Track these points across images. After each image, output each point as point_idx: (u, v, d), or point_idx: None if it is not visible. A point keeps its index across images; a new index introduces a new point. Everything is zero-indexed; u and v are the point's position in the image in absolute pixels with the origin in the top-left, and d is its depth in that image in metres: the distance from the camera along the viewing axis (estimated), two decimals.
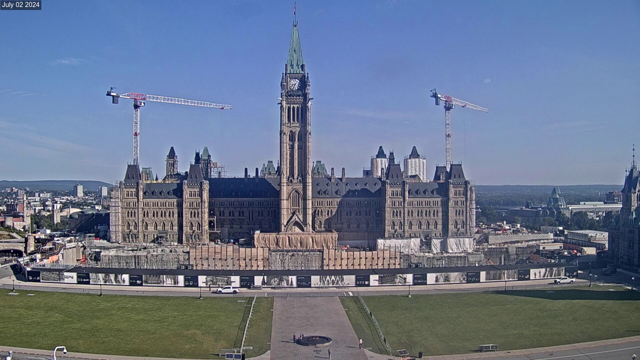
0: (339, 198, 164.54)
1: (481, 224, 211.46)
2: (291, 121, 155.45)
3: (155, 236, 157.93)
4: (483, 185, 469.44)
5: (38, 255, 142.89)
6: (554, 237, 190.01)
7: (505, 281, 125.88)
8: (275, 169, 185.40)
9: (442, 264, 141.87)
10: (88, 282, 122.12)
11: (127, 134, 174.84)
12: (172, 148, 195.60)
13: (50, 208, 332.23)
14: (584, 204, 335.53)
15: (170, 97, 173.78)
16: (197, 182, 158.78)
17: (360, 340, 78.97)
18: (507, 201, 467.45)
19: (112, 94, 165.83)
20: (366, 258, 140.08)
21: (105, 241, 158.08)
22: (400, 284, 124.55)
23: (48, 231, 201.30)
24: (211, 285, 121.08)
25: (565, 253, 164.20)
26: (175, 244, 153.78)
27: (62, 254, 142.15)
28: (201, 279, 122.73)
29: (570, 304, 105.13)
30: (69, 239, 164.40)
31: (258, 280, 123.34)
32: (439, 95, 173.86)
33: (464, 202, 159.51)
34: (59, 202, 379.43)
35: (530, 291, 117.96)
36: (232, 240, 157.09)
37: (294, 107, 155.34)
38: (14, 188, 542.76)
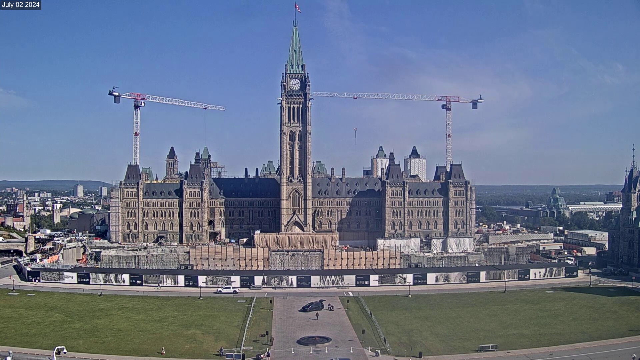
0: (339, 198, 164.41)
1: (481, 224, 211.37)
2: (291, 121, 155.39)
3: (156, 236, 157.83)
4: (483, 185, 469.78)
5: (38, 255, 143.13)
6: (554, 237, 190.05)
7: (506, 281, 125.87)
8: (275, 169, 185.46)
9: (442, 264, 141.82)
10: (88, 282, 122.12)
11: (127, 134, 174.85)
12: (172, 148, 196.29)
13: (50, 208, 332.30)
14: (584, 204, 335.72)
15: (168, 98, 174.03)
16: (197, 182, 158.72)
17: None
18: (507, 201, 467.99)
19: (114, 93, 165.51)
20: (366, 258, 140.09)
21: (105, 241, 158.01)
22: (400, 284, 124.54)
23: (48, 231, 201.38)
24: (212, 285, 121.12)
25: (566, 253, 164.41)
26: (176, 244, 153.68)
27: (62, 254, 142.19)
28: (201, 279, 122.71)
29: (570, 304, 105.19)
30: (69, 239, 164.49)
31: (258, 280, 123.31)
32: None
33: (464, 202, 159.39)
34: (59, 202, 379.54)
35: (531, 291, 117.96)
36: (232, 240, 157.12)
37: (294, 107, 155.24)
38: (14, 188, 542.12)
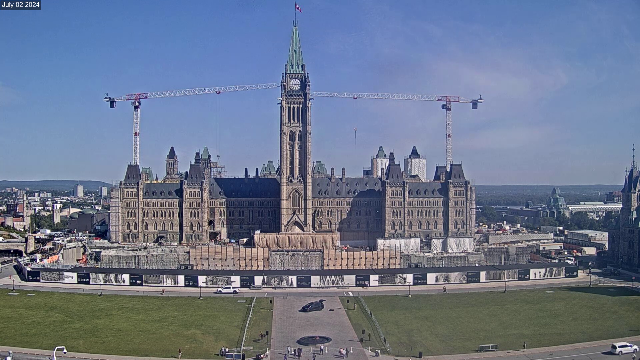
0: (339, 198, 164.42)
1: (481, 224, 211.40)
2: (291, 121, 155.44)
3: (156, 236, 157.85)
4: (483, 185, 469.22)
5: (38, 255, 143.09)
6: (554, 237, 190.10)
7: (506, 281, 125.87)
8: (275, 169, 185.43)
9: (442, 264, 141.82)
10: (88, 282, 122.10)
11: (127, 134, 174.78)
12: (172, 148, 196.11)
13: (50, 208, 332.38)
14: (584, 204, 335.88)
15: (173, 90, 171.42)
16: (197, 182, 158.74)
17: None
18: (507, 201, 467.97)
19: (108, 98, 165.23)
20: (366, 258, 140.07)
21: (105, 241, 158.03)
22: (400, 284, 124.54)
23: (48, 231, 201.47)
24: (212, 285, 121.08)
25: (566, 253, 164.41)
26: (176, 244, 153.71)
27: (62, 254, 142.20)
28: (201, 279, 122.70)
29: (570, 304, 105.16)
30: (69, 239, 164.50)
31: (258, 280, 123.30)
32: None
33: (464, 202, 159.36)
34: (59, 202, 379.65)
35: (530, 291, 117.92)
36: (232, 240, 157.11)
37: (294, 107, 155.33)
38: (14, 188, 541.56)
